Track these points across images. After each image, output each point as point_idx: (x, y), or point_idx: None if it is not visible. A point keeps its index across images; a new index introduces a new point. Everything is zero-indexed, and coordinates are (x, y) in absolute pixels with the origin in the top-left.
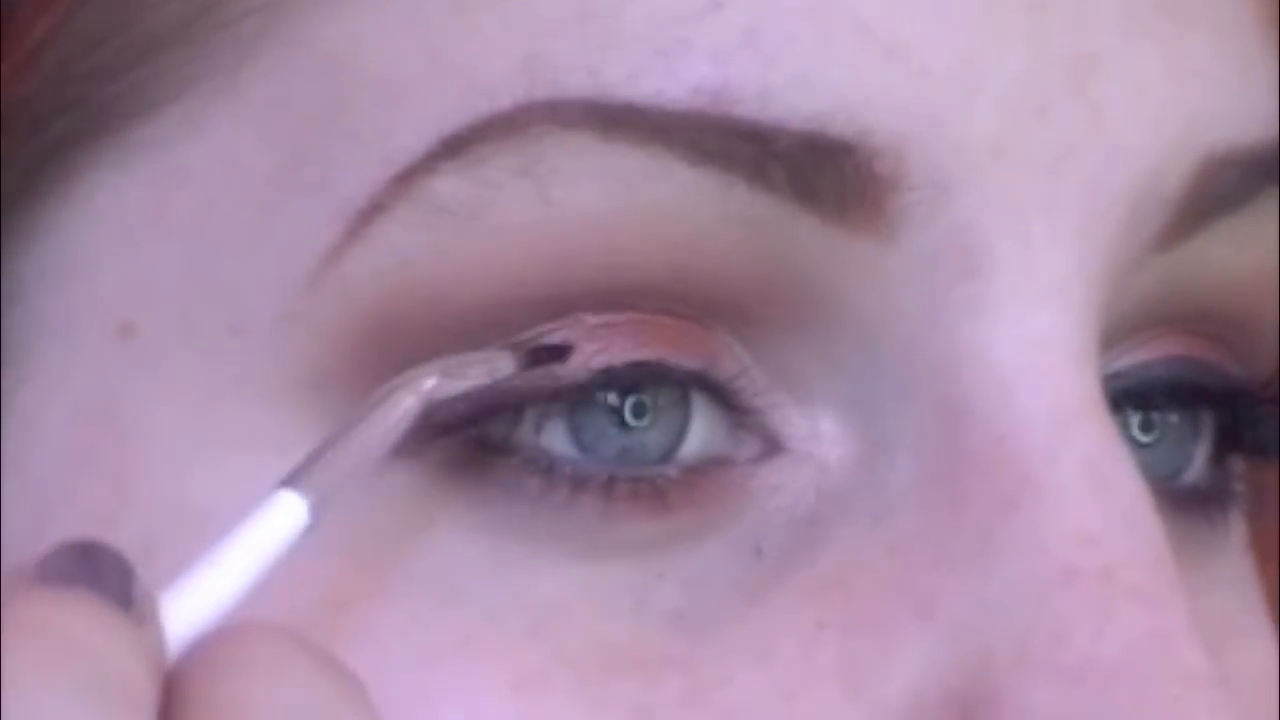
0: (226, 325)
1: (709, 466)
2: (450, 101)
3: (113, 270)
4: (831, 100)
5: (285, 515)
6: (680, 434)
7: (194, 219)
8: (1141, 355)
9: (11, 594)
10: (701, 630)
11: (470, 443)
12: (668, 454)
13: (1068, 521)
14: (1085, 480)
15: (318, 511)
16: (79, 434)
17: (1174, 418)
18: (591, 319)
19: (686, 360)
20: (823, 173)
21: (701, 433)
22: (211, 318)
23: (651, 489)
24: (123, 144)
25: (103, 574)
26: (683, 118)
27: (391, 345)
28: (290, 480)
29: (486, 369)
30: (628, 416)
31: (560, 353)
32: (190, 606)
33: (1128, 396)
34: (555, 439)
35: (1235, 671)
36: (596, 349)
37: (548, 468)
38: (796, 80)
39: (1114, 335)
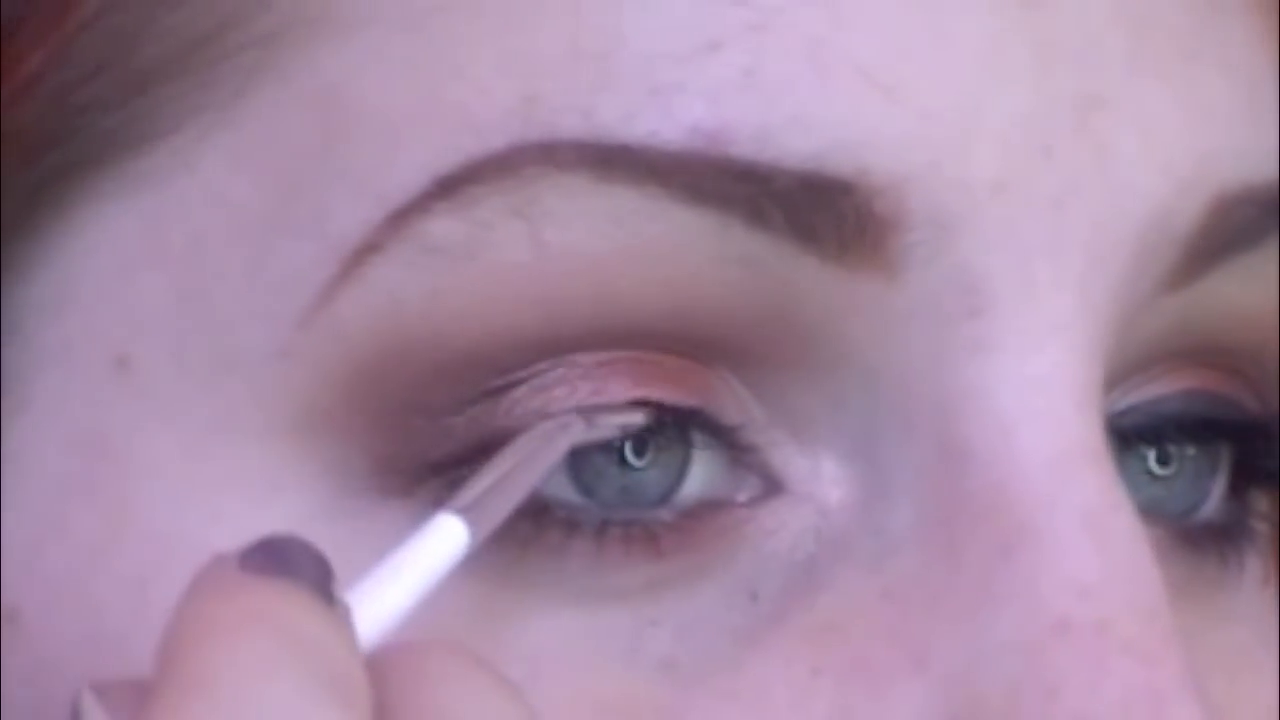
0: (220, 361)
1: (704, 510)
2: (444, 141)
3: (109, 302)
4: (830, 140)
5: (448, 538)
6: (681, 473)
7: (189, 253)
8: (1156, 389)
9: (221, 584)
10: (693, 678)
11: (460, 484)
12: (668, 493)
13: (1063, 571)
14: (1083, 529)
15: (476, 537)
16: (74, 465)
17: (1191, 451)
18: (586, 358)
19: (685, 399)
20: (821, 213)
21: (702, 472)
22: (205, 353)
23: (644, 533)
24: (119, 176)
25: (306, 569)
26: (678, 158)
27: (384, 384)
28: (457, 507)
29: (621, 423)
30: (628, 455)
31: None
32: (363, 618)
33: (1142, 431)
34: (554, 478)
35: (1244, 706)
36: (594, 388)
37: (540, 511)
38: (794, 120)
39: (1126, 371)
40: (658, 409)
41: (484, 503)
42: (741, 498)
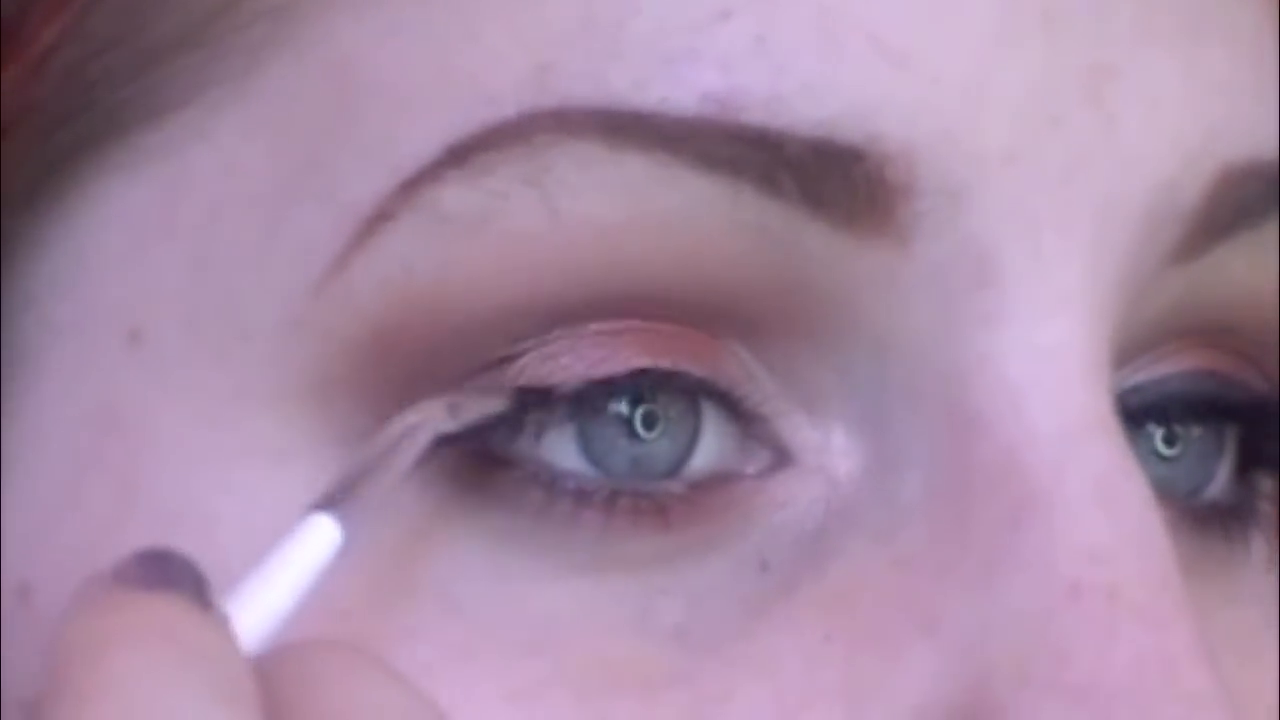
0: (233, 332)
1: (714, 483)
2: (457, 110)
3: (121, 276)
4: (841, 107)
5: (321, 537)
6: (690, 445)
7: (201, 225)
8: (1162, 369)
9: (104, 599)
10: (704, 646)
11: (472, 455)
12: (678, 465)
13: (1074, 538)
14: (1093, 496)
15: (348, 534)
16: (86, 439)
17: (1197, 432)
18: (595, 326)
19: (693, 368)
20: (832, 179)
21: (712, 444)
22: (218, 324)
23: (654, 506)
24: (131, 149)
25: (183, 579)
26: (690, 125)
27: (396, 353)
28: (324, 504)
29: (480, 408)
30: (638, 427)
31: (546, 394)
32: (242, 622)
33: (1149, 410)
34: (565, 449)
35: (1250, 689)
36: (601, 356)
37: (550, 482)
38: (806, 87)
39: (1132, 348)
40: (665, 376)
41: (352, 497)
42: (751, 469)
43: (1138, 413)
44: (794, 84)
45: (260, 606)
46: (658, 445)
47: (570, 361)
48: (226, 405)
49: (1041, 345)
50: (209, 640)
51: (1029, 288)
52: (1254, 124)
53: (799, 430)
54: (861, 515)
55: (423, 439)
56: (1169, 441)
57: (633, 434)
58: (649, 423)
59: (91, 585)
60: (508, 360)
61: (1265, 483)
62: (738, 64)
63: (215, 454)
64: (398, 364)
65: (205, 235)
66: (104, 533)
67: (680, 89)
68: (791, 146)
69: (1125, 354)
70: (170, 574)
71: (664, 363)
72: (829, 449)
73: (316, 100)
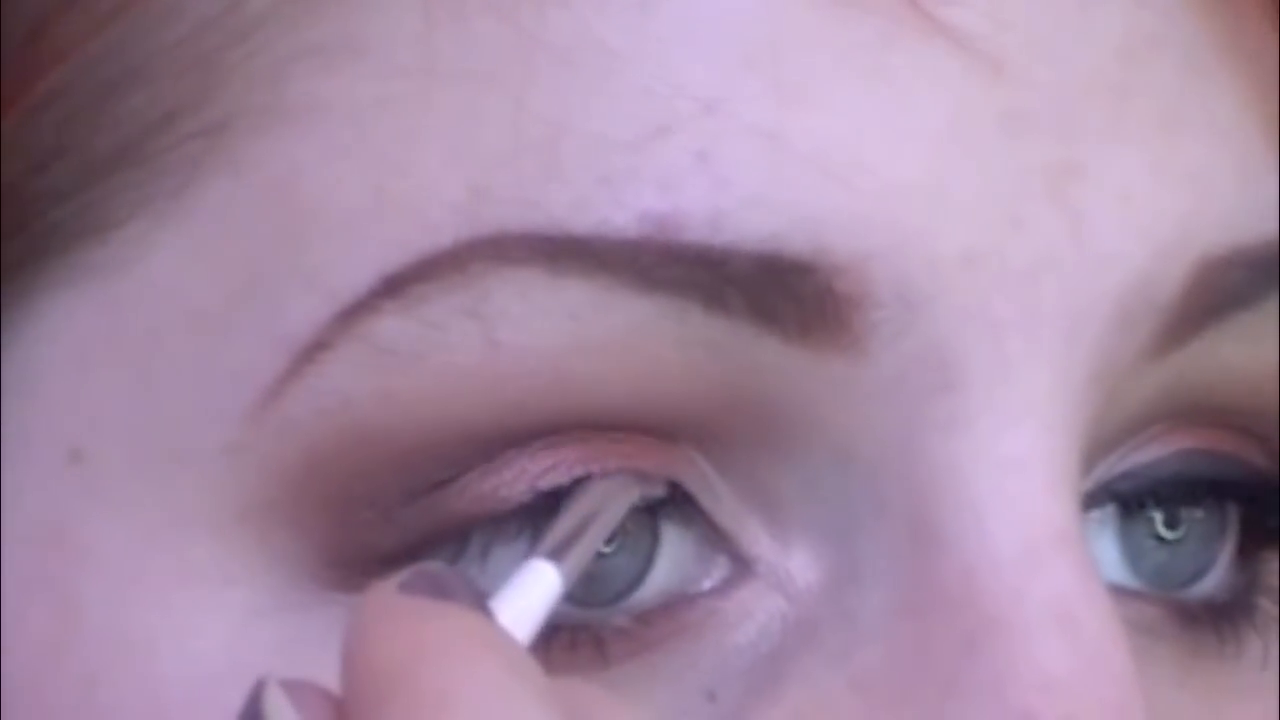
0: (172, 454)
1: (660, 613)
2: (392, 238)
3: (65, 393)
4: (787, 220)
5: (544, 583)
6: (649, 558)
7: (143, 346)
8: (1152, 452)
9: (391, 609)
10: None
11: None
12: (637, 580)
13: (1029, 666)
14: (1052, 621)
15: (566, 582)
16: (30, 560)
17: (1199, 513)
18: (539, 443)
19: (647, 469)
20: (781, 294)
21: (671, 555)
22: (158, 446)
23: (591, 640)
24: (74, 265)
25: (466, 591)
26: (630, 246)
27: (334, 479)
28: (544, 551)
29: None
30: None
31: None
32: None
33: (1144, 495)
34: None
35: None
36: (544, 468)
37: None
38: (749, 202)
39: (1116, 437)
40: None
41: (570, 549)
42: (708, 583)
43: (1132, 499)
44: (736, 199)
45: None
46: (615, 560)
47: (513, 476)
48: (166, 528)
49: (1004, 456)
50: (525, 654)
51: (992, 394)
52: (1234, 212)
53: (758, 540)
54: (820, 632)
55: (624, 505)
56: (1171, 524)
57: None
58: (607, 538)
59: (379, 595)
60: (450, 480)
61: (1266, 572)
62: (678, 182)
63: (155, 576)
64: (335, 490)
65: (147, 356)
66: (45, 657)
67: (618, 210)
68: (736, 263)
69: (1107, 444)
70: (453, 585)
71: (610, 468)
72: (789, 560)
73: (254, 222)
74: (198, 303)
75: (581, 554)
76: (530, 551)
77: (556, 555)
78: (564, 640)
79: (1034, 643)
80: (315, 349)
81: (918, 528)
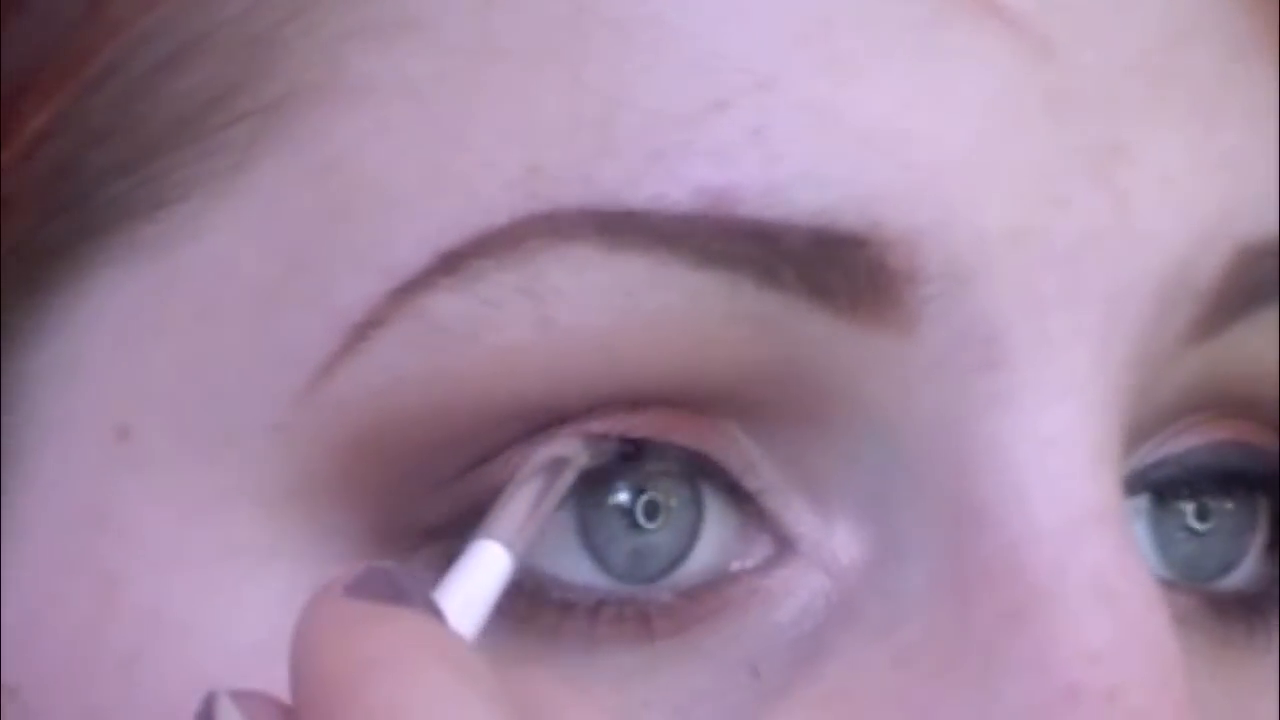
0: (220, 432)
1: (705, 589)
2: (448, 216)
3: (113, 372)
4: (840, 195)
5: (493, 564)
6: (693, 535)
7: (192, 324)
8: (1186, 441)
9: (337, 616)
10: None
11: (457, 553)
12: (680, 557)
13: (1073, 639)
14: (1094, 595)
15: (515, 561)
16: (72, 540)
17: (1229, 505)
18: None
19: (691, 443)
20: (833, 268)
21: (714, 534)
22: (205, 424)
23: (637, 614)
24: (127, 243)
25: (416, 593)
26: (685, 221)
27: (384, 457)
28: (488, 534)
29: (610, 447)
30: (639, 517)
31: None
32: None
33: (1178, 485)
34: (566, 541)
35: None
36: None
37: (535, 590)
38: (804, 176)
39: (1152, 425)
40: (662, 448)
41: (517, 528)
42: (751, 561)
43: (1166, 488)
44: (791, 173)
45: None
46: (659, 536)
47: (563, 446)
48: (211, 505)
49: (1047, 433)
50: (473, 657)
51: (1035, 372)
52: (1269, 203)
53: (801, 519)
54: (862, 608)
55: (571, 475)
56: (1201, 516)
57: (634, 524)
58: (650, 513)
59: (324, 601)
60: (497, 454)
61: None
62: (732, 157)
63: (198, 553)
64: (385, 466)
65: (195, 334)
66: (86, 635)
67: (673, 184)
68: (790, 237)
69: (1144, 431)
70: (407, 588)
71: (657, 431)
72: (831, 538)
73: (308, 201)
74: (249, 280)
75: (531, 530)
76: (479, 531)
77: (504, 534)
78: (610, 614)
79: (1077, 616)
80: (368, 326)
81: (960, 504)
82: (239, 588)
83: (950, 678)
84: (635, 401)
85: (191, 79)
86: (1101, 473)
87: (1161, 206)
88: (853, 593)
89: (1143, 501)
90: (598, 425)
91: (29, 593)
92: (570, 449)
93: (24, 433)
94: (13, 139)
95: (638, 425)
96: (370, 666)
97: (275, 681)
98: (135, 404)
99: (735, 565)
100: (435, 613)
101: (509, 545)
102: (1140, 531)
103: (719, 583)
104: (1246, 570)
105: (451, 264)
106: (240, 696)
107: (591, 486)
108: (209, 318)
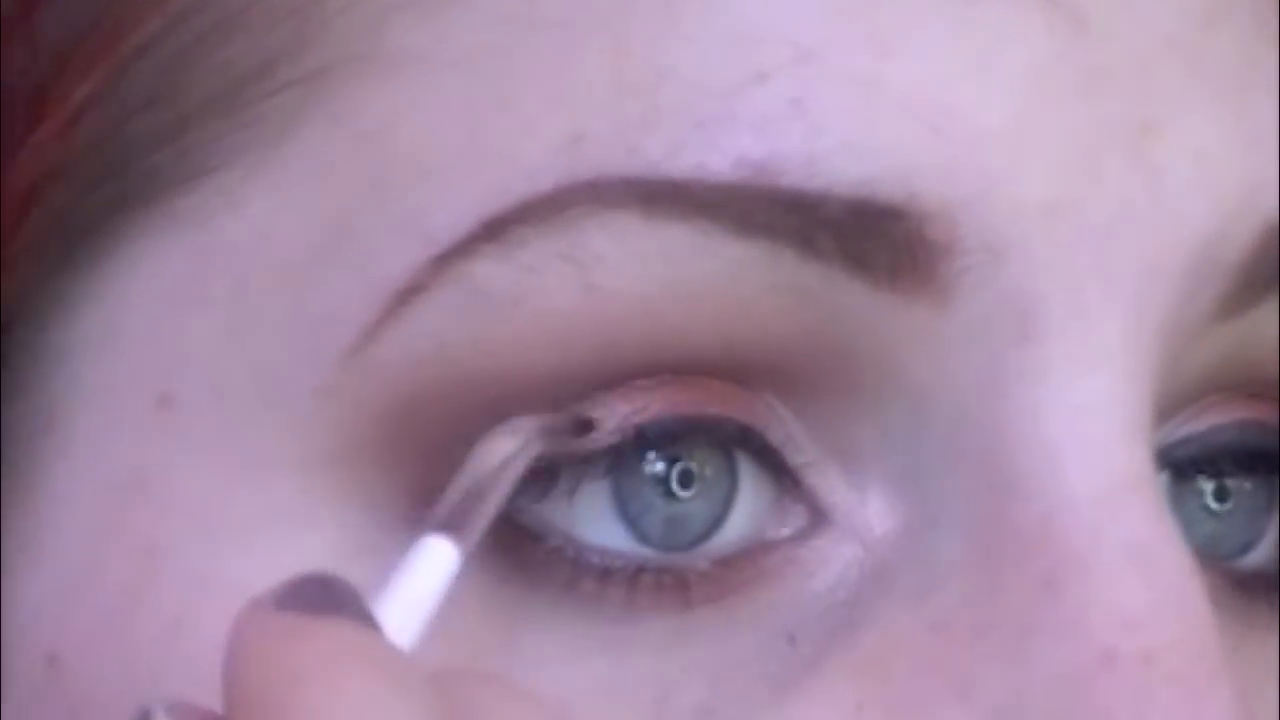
0: (261, 399)
1: (741, 557)
2: (490, 183)
3: (153, 339)
4: (880, 166)
5: (439, 560)
6: (727, 504)
7: (233, 292)
8: (1210, 419)
9: (267, 627)
10: None
11: (498, 524)
12: (714, 526)
13: (1109, 604)
14: (1129, 561)
15: (463, 554)
16: (112, 506)
17: (1248, 485)
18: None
19: (729, 415)
20: (872, 239)
21: (748, 503)
22: (246, 390)
23: (676, 582)
24: (165, 214)
25: (350, 603)
26: (727, 190)
27: (425, 422)
28: (436, 528)
29: (568, 433)
30: (674, 485)
31: (586, 426)
32: None
33: (1199, 463)
34: (600, 508)
35: None
36: (632, 409)
37: (575, 557)
38: (844, 147)
39: (1179, 401)
40: (701, 425)
41: (464, 519)
42: (786, 531)
43: (1187, 466)
44: (831, 144)
45: (390, 630)
46: (694, 505)
47: (602, 416)
48: (250, 471)
49: (1081, 402)
50: (403, 665)
51: (1070, 342)
52: None
53: (835, 489)
54: (896, 577)
55: (521, 463)
56: (1220, 496)
57: (669, 493)
58: (685, 481)
59: (254, 613)
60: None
61: None
62: (774, 127)
63: (237, 520)
64: (427, 433)
65: (236, 302)
66: (128, 600)
67: (715, 154)
68: (830, 207)
69: (1170, 408)
70: (339, 597)
71: (697, 409)
72: (866, 508)
73: (349, 169)
74: (291, 249)
75: (478, 522)
76: (427, 524)
77: (451, 527)
78: (649, 581)
79: (1112, 582)
80: (410, 293)
81: (994, 473)
82: (278, 553)
83: (985, 645)
84: (675, 370)
85: (234, 49)
86: (1134, 441)
87: (1193, 183)
88: (887, 562)
89: (1163, 480)
90: (639, 394)
91: (68, 561)
92: (521, 436)
93: (65, 400)
94: (56, 110)
95: (678, 396)
96: (297, 679)
97: None
98: (176, 371)
99: (770, 534)
100: (368, 620)
101: (456, 539)
102: None
103: (755, 552)
104: (1265, 550)
105: (494, 231)
106: (175, 708)
107: (625, 455)
108: (249, 285)
